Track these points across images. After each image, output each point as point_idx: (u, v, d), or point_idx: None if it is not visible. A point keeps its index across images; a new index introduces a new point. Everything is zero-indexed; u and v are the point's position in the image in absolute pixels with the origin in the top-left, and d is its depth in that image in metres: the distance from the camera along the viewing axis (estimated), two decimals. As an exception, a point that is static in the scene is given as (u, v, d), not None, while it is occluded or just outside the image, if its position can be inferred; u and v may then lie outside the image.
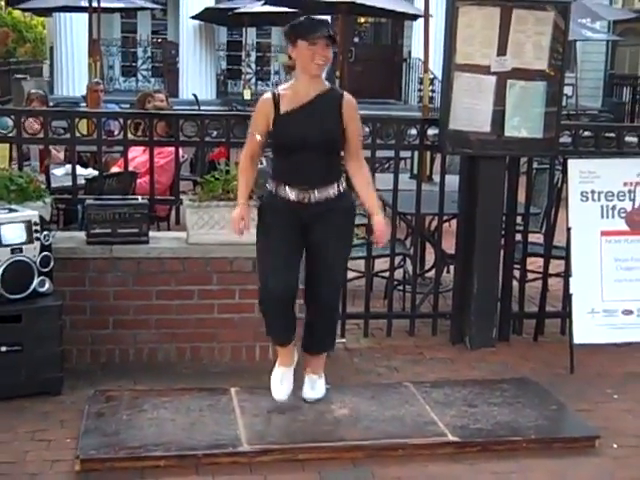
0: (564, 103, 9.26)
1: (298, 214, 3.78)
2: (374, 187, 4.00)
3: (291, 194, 3.76)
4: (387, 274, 5.25)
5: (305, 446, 3.61)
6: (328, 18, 3.73)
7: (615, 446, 3.80)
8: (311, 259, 3.89)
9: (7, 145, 5.41)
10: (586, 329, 4.73)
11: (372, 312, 5.16)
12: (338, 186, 3.81)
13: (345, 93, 3.83)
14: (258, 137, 3.81)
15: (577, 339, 4.70)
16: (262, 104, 3.79)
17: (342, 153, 3.87)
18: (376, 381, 4.41)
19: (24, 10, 17.87)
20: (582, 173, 4.84)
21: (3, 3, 21.70)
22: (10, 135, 4.93)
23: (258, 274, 3.92)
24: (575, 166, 4.85)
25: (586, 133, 5.43)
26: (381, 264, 5.51)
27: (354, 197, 3.95)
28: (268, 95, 3.79)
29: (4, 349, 3.94)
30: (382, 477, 3.47)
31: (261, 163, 4.47)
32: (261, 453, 3.55)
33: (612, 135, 5.47)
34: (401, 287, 5.66)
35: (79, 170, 5.29)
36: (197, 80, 18.35)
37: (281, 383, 3.94)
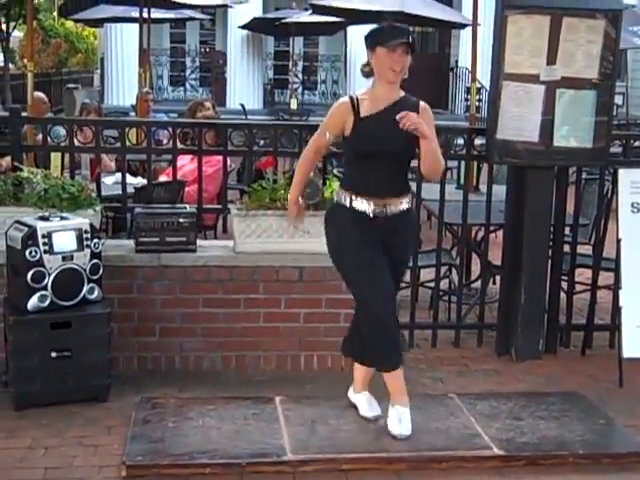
0: (614, 112, 9.13)
1: (376, 227, 3.71)
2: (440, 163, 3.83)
3: (369, 207, 3.69)
4: (433, 284, 5.22)
5: (349, 457, 3.60)
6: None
7: (665, 462, 3.72)
8: None
9: (59, 154, 5.52)
10: (636, 343, 4.64)
11: (417, 322, 5.14)
12: (408, 202, 3.80)
13: (421, 101, 3.78)
14: (328, 136, 3.80)
15: (626, 353, 4.62)
16: (340, 106, 3.76)
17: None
18: (421, 392, 4.38)
19: (76, 21, 18.26)
20: (633, 183, 4.77)
21: (56, 14, 22.15)
22: (63, 144, 5.02)
23: (355, 294, 3.79)
24: (626, 176, 4.78)
25: (637, 143, 5.35)
26: (427, 274, 5.49)
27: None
28: (346, 99, 3.77)
29: (54, 355, 4.01)
30: (426, 489, 3.45)
31: (313, 173, 4.48)
32: (305, 463, 3.56)
33: (664, 145, 5.38)
34: (447, 297, 5.62)
35: (129, 179, 5.37)
36: (244, 89, 18.51)
37: (370, 405, 3.97)
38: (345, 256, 3.78)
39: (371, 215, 3.70)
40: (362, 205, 3.71)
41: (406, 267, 4.07)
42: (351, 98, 3.75)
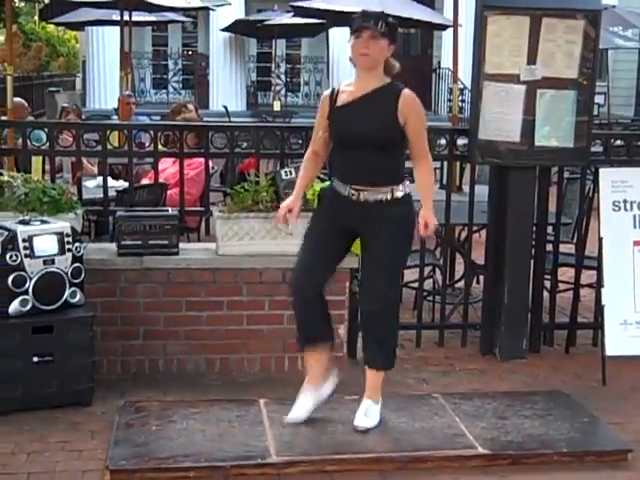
0: (595, 112, 9.19)
1: (346, 210, 3.73)
2: (431, 183, 3.86)
3: (344, 189, 3.72)
4: (416, 285, 5.23)
5: (333, 458, 3.60)
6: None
7: (648, 459, 3.74)
8: (362, 266, 3.89)
9: (40, 158, 5.49)
10: (618, 341, 4.67)
11: (401, 323, 5.09)
12: (393, 191, 3.68)
13: (405, 89, 3.68)
14: (320, 132, 3.82)
15: (609, 351, 4.64)
16: (323, 100, 3.83)
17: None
18: (405, 392, 4.38)
19: (57, 24, 18.16)
20: (614, 182, 4.79)
21: (37, 18, 22.04)
22: (43, 148, 4.99)
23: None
24: (607, 175, 4.81)
25: (618, 142, 5.38)
26: (410, 274, 5.49)
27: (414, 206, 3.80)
28: (327, 91, 3.83)
29: (36, 360, 3.97)
30: (411, 489, 3.45)
31: (290, 173, 4.48)
32: (290, 464, 3.55)
33: (645, 144, 5.41)
34: (430, 298, 5.63)
35: (110, 182, 5.35)
36: (227, 92, 18.49)
37: (296, 404, 3.86)
38: (305, 233, 3.88)
39: (343, 194, 3.72)
40: (339, 187, 3.76)
41: (386, 261, 3.70)
42: (332, 90, 3.80)
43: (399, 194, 3.71)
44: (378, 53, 3.63)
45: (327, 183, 4.09)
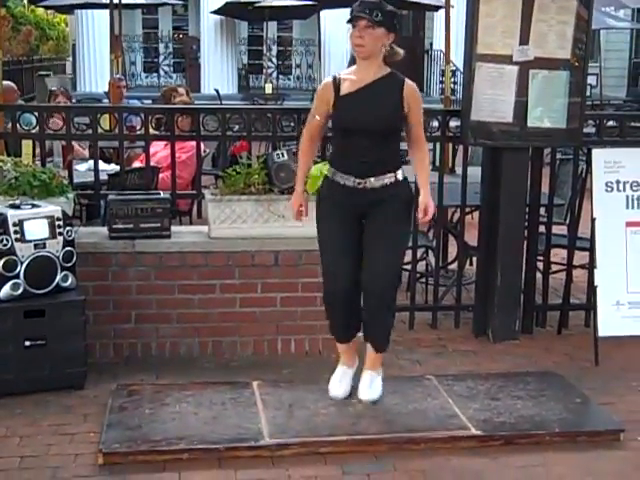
0: (588, 93, 9.17)
1: (355, 201, 3.74)
2: (428, 168, 3.97)
3: (348, 180, 3.73)
4: (409, 266, 5.22)
5: (327, 439, 3.60)
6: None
7: (640, 439, 3.76)
8: (365, 246, 3.83)
9: (30, 142, 5.45)
10: (611, 321, 4.68)
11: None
12: (395, 175, 3.75)
13: (407, 79, 3.76)
14: (317, 118, 3.81)
15: (602, 332, 4.65)
16: (323, 87, 3.80)
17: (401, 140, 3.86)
18: (398, 374, 4.38)
19: (47, 8, 18.04)
20: (607, 163, 4.79)
21: (26, 1, 21.84)
22: (33, 132, 4.95)
23: (322, 265, 3.89)
24: (599, 156, 4.80)
25: (610, 123, 5.37)
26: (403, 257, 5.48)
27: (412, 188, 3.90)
28: (329, 79, 3.80)
29: (28, 344, 3.97)
30: (404, 471, 3.45)
31: (282, 156, 4.46)
32: (283, 447, 3.55)
33: (637, 125, 5.40)
34: (423, 279, 5.64)
35: (102, 165, 5.32)
36: (219, 75, 18.41)
37: (340, 382, 3.96)
38: (317, 230, 3.88)
39: (348, 185, 3.72)
40: (342, 178, 3.74)
41: (394, 240, 3.79)
42: (334, 78, 3.77)
43: (400, 177, 3.79)
44: (373, 42, 3.64)
45: (320, 165, 4.07)
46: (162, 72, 20.18)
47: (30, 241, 4.00)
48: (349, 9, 3.77)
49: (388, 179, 3.74)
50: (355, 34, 3.63)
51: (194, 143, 5.42)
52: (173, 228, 4.62)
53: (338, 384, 3.96)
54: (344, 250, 3.78)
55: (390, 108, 3.70)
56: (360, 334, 3.99)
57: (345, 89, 3.72)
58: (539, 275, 5.22)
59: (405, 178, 3.82)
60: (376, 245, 3.77)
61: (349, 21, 3.66)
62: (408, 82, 3.76)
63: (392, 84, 3.72)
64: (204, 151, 6.55)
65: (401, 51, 3.75)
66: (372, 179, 3.71)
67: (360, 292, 3.83)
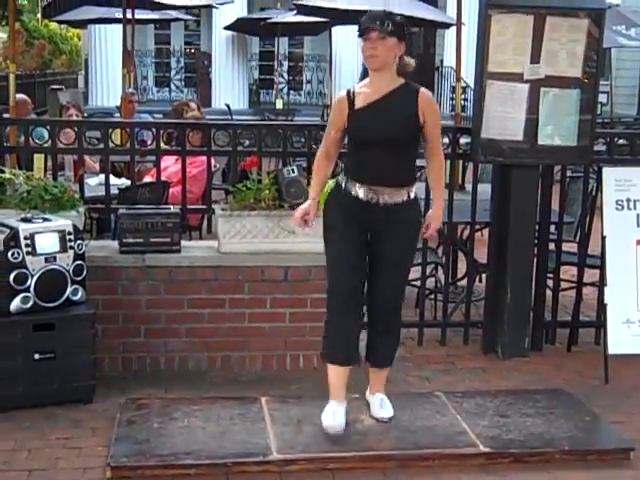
0: (599, 111, 9.17)
1: (365, 216, 3.71)
2: (443, 182, 3.98)
3: (360, 192, 3.69)
4: (419, 283, 5.22)
5: (335, 456, 3.59)
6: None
7: (651, 459, 3.74)
8: (373, 267, 3.81)
9: (42, 155, 5.48)
10: (621, 339, 4.66)
11: (404, 321, 5.07)
12: (409, 193, 3.73)
13: (422, 87, 3.73)
14: (333, 132, 3.79)
15: (612, 349, 4.63)
16: (338, 101, 3.79)
17: (419, 152, 3.85)
18: (407, 391, 4.38)
19: (60, 22, 18.19)
20: (617, 181, 4.78)
21: (40, 15, 22.03)
22: (45, 145, 4.99)
23: (327, 275, 3.85)
24: (610, 174, 4.80)
25: (621, 141, 5.36)
26: (413, 273, 5.44)
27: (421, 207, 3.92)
28: (343, 93, 3.78)
29: (37, 357, 3.97)
30: (413, 488, 3.45)
31: (293, 172, 4.47)
32: (291, 462, 3.54)
33: (648, 143, 5.39)
34: (433, 296, 5.63)
35: (112, 180, 5.34)
36: (229, 90, 18.49)
37: (333, 415, 3.79)
38: (327, 241, 3.83)
39: (363, 200, 3.69)
40: (355, 189, 3.71)
41: (402, 266, 3.84)
42: (348, 91, 3.76)
43: (412, 195, 3.76)
44: (386, 53, 3.63)
45: (331, 183, 4.06)
46: (173, 87, 20.30)
47: (41, 254, 4.02)
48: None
49: (401, 196, 3.70)
50: (368, 45, 3.62)
51: (204, 158, 5.45)
52: (183, 243, 4.64)
53: (332, 419, 3.77)
54: (352, 266, 3.74)
55: (405, 119, 3.66)
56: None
57: (360, 102, 3.70)
58: (549, 292, 5.20)
59: (416, 197, 3.81)
60: (385, 270, 3.77)
61: (360, 34, 3.65)
62: (423, 91, 3.71)
63: (407, 94, 3.69)
64: (214, 166, 6.57)
65: (412, 61, 3.74)
66: (386, 195, 3.67)
67: (360, 300, 3.79)
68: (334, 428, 3.75)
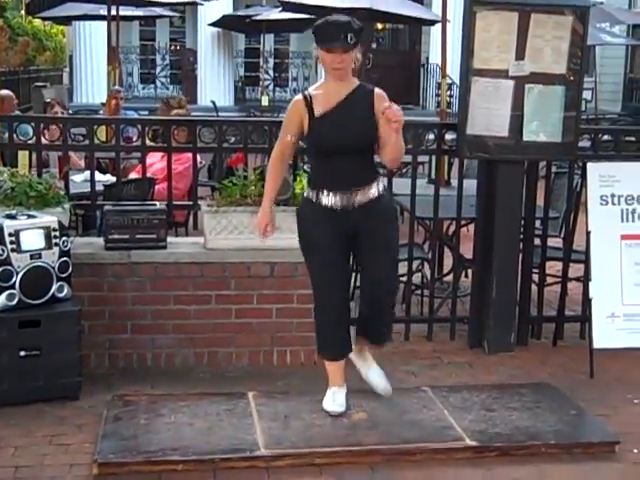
0: (583, 107, 9.22)
1: (340, 220, 3.74)
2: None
3: (332, 201, 3.72)
4: (405, 278, 5.23)
5: (323, 450, 3.60)
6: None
7: (635, 451, 3.76)
8: (363, 255, 3.85)
9: (27, 152, 5.46)
10: (606, 333, 4.69)
11: (390, 317, 5.14)
12: (378, 185, 3.78)
13: (375, 88, 3.79)
14: (289, 137, 3.78)
15: (597, 344, 4.66)
16: (294, 106, 3.76)
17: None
18: (394, 385, 4.36)
19: (44, 19, 18.05)
20: (602, 177, 4.81)
21: (24, 12, 21.90)
22: (30, 142, 4.96)
23: (312, 287, 3.92)
24: (595, 170, 4.82)
25: (605, 137, 5.40)
26: (399, 268, 5.48)
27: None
28: (300, 97, 3.76)
29: (23, 354, 3.96)
30: (400, 482, 3.46)
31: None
32: (278, 457, 3.55)
33: (632, 139, 5.44)
34: (419, 291, 5.64)
35: (98, 176, 5.32)
36: (215, 87, 18.42)
37: (333, 400, 3.93)
38: (309, 257, 3.89)
39: (338, 209, 3.73)
40: (328, 199, 3.73)
41: (390, 244, 3.86)
42: (304, 96, 3.74)
43: (381, 188, 3.82)
44: (350, 63, 3.69)
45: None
46: (159, 83, 20.19)
47: (26, 251, 4.01)
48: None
49: (373, 192, 3.75)
50: (333, 58, 3.61)
51: (190, 155, 5.44)
52: (169, 239, 4.63)
53: (332, 402, 3.93)
54: (337, 270, 3.80)
55: (366, 121, 3.70)
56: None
57: (320, 108, 3.69)
58: (534, 287, 5.23)
59: (385, 187, 3.90)
60: (375, 252, 3.79)
61: (323, 45, 3.62)
62: (377, 90, 3.77)
63: (363, 96, 3.74)
64: (200, 162, 6.56)
65: (359, 56, 3.75)
66: (359, 196, 3.72)
67: (349, 307, 3.91)
68: (335, 411, 3.89)
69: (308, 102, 3.71)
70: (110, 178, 6.05)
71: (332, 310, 3.84)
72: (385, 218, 3.83)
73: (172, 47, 20.86)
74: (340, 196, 3.72)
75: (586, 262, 4.87)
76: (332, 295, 3.83)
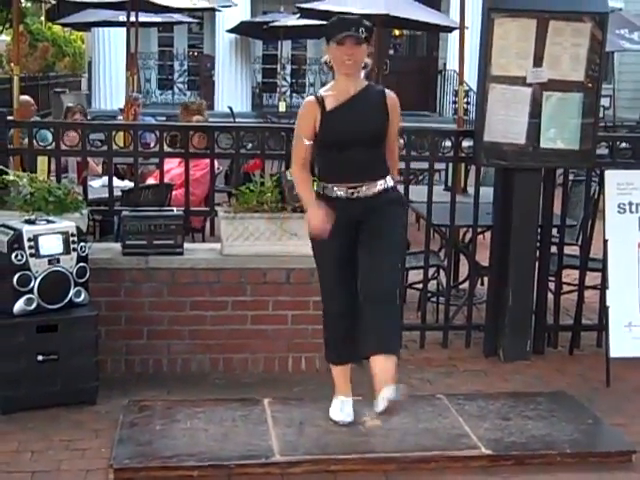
0: (601, 114, 9.17)
1: (349, 212, 3.72)
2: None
3: (340, 191, 3.74)
4: (421, 286, 5.23)
5: (337, 457, 3.60)
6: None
7: (653, 461, 3.74)
8: (364, 249, 3.77)
9: (46, 158, 5.50)
10: (623, 342, 4.66)
11: (406, 324, 5.13)
12: (386, 181, 3.79)
13: (386, 89, 3.84)
14: (306, 142, 3.77)
15: (613, 352, 4.63)
16: (307, 106, 3.78)
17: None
18: (409, 393, 4.36)
19: (64, 25, 18.18)
20: (619, 185, 4.79)
21: (43, 18, 22.08)
22: (49, 148, 5.00)
23: (320, 283, 3.92)
24: (612, 177, 4.80)
25: (623, 145, 5.37)
26: (415, 276, 5.50)
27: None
28: (311, 98, 3.80)
29: (40, 358, 3.99)
30: (415, 490, 3.45)
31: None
32: (293, 464, 3.55)
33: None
34: (435, 299, 5.63)
35: (115, 182, 5.36)
36: (232, 93, 18.48)
37: (341, 410, 3.92)
38: (313, 249, 3.90)
39: (341, 196, 3.73)
40: (332, 192, 3.75)
41: (394, 240, 3.77)
42: (315, 96, 3.79)
43: (390, 183, 3.83)
44: (361, 58, 3.71)
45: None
46: (176, 89, 20.29)
47: (44, 256, 4.03)
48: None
49: (380, 186, 3.76)
50: (344, 51, 3.64)
51: (208, 161, 5.46)
52: (186, 245, 4.65)
53: (339, 412, 3.92)
54: (342, 265, 3.78)
55: (378, 117, 3.75)
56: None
57: (331, 104, 3.73)
58: (551, 295, 5.21)
59: (394, 186, 3.88)
60: (376, 246, 3.72)
61: (335, 39, 3.65)
62: (389, 92, 3.82)
63: (374, 94, 3.79)
64: (217, 168, 6.58)
65: (369, 61, 3.78)
66: (364, 187, 3.72)
67: (356, 305, 3.75)
68: (343, 420, 3.88)
69: (319, 101, 3.74)
70: (128, 184, 6.08)
71: (336, 315, 3.84)
72: (390, 210, 3.79)
73: (190, 53, 20.96)
74: (346, 188, 3.73)
75: (603, 270, 4.85)
76: (336, 303, 3.83)
